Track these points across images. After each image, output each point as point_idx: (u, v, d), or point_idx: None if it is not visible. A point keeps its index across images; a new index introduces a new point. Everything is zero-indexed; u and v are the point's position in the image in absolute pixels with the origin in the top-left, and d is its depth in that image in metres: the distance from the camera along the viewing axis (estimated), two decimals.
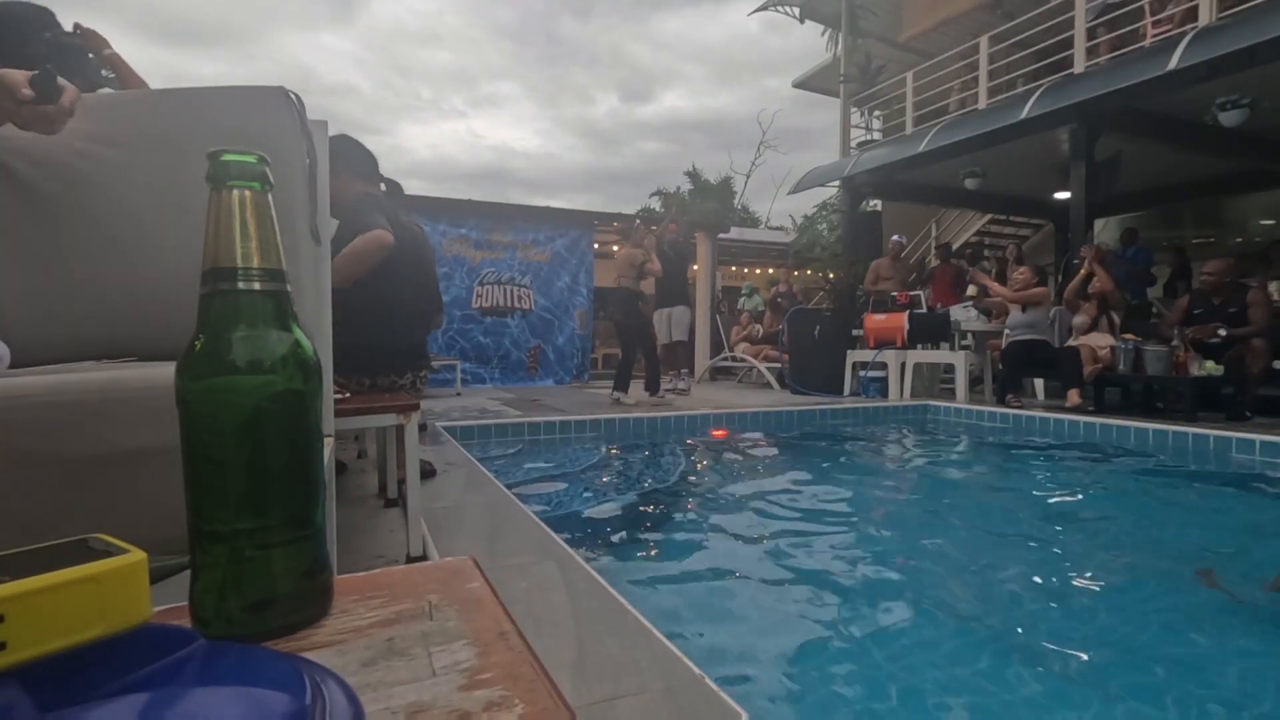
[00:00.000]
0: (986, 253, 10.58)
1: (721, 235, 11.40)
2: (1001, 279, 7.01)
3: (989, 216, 10.57)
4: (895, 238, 7.83)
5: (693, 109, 75.08)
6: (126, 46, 2.67)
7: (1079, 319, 5.51)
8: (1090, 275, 5.49)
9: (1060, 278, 7.01)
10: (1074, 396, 5.11)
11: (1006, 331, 5.87)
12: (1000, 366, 5.88)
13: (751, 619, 1.74)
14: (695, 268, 10.53)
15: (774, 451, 4.41)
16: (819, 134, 39.78)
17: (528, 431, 4.49)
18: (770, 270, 14.54)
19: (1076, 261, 6.08)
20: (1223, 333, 4.81)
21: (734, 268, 14.50)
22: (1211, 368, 4.71)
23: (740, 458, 4.16)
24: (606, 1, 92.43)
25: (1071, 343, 5.46)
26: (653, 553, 2.27)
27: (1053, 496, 3.18)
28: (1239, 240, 9.35)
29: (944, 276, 8.46)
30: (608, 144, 74.74)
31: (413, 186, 3.52)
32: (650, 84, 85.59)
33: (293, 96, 1.16)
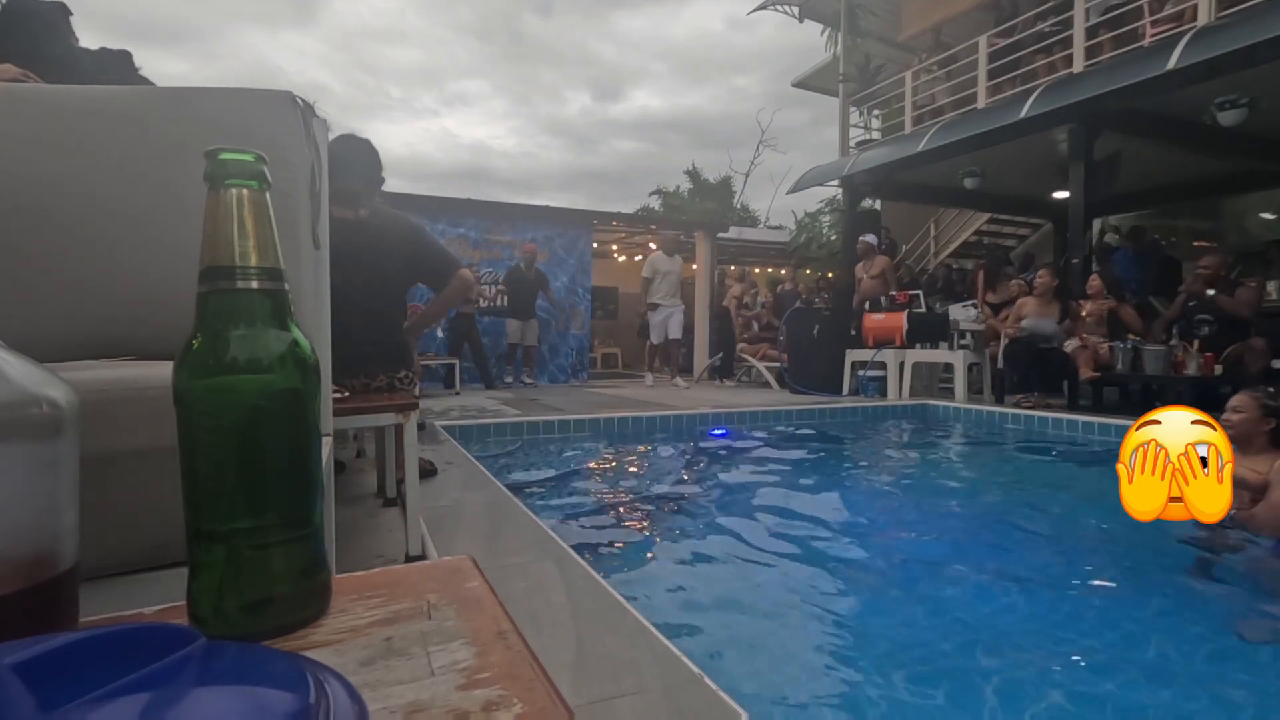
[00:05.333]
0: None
1: (720, 235, 11.39)
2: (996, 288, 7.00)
3: (988, 216, 10.56)
4: (862, 237, 7.82)
5: (665, 107, 73.58)
6: (90, 44, 2.63)
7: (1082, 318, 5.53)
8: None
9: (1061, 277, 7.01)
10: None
11: (1008, 332, 5.87)
12: (1000, 365, 5.88)
13: (751, 617, 1.74)
14: (695, 267, 10.53)
15: (773, 451, 4.40)
16: (802, 132, 39.76)
17: (527, 431, 4.49)
18: (770, 270, 14.52)
19: (1076, 261, 6.09)
20: (1204, 331, 4.87)
21: (733, 267, 14.48)
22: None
23: (739, 457, 4.16)
24: None
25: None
26: (652, 552, 2.27)
27: (1050, 495, 3.18)
28: (1238, 240, 9.35)
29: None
30: (583, 143, 73.43)
31: (391, 185, 3.39)
32: (619, 82, 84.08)
33: (299, 101, 1.16)
